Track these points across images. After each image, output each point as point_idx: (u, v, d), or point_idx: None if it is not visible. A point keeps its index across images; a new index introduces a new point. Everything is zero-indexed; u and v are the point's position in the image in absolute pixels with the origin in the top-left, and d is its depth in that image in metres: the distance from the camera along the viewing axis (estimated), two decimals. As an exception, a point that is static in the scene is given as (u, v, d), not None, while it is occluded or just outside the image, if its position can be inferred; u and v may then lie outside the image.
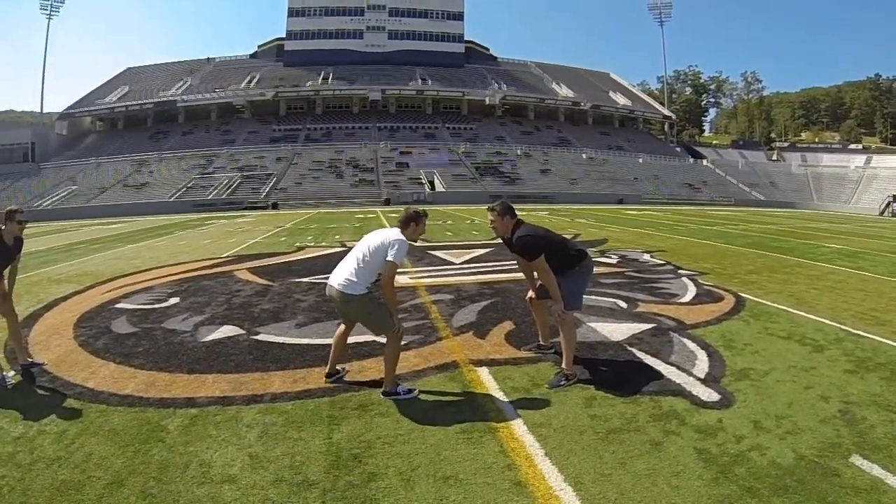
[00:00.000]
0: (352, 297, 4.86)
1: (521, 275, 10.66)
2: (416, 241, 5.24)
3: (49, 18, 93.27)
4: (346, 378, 5.32)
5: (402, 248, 4.82)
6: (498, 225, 5.37)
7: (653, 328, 7.11)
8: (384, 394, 4.85)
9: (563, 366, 5.22)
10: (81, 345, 6.62)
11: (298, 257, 14.56)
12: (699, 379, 5.23)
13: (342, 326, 5.34)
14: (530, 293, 6.04)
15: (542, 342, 6.19)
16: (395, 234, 4.90)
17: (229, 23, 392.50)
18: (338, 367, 5.42)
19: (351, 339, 5.86)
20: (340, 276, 4.92)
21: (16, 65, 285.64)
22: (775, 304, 8.60)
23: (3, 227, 5.56)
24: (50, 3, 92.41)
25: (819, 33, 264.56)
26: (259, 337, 6.83)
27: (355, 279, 4.86)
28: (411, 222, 5.00)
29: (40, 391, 5.21)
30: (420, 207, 5.30)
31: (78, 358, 6.13)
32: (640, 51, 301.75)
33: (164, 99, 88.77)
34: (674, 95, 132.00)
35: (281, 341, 6.64)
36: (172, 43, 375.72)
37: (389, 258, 4.76)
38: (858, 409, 4.57)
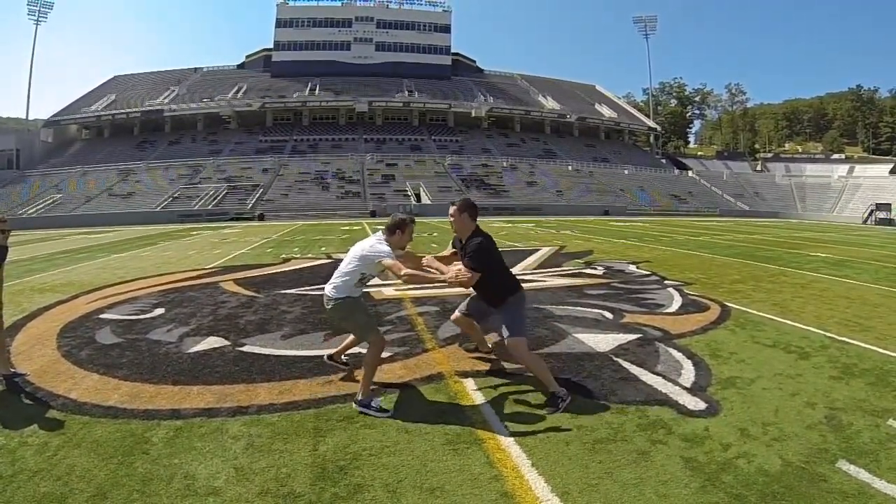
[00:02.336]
0: (334, 300, 5.04)
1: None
2: (403, 249, 5.31)
3: (36, 24, 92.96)
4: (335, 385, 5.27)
5: (386, 248, 4.95)
6: (456, 220, 5.40)
7: (639, 338, 7.11)
8: (356, 402, 4.83)
9: (551, 390, 4.90)
10: (65, 355, 6.55)
11: (285, 269, 14.47)
12: (685, 388, 5.23)
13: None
14: (456, 313, 6.08)
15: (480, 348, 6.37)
16: (377, 240, 5.05)
17: (217, 33, 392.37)
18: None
19: (351, 350, 5.98)
20: (329, 285, 5.13)
21: (1, 71, 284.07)
22: (761, 313, 8.65)
23: None
24: (38, 8, 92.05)
25: (801, 45, 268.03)
26: (245, 348, 6.78)
27: (339, 284, 5.06)
28: (397, 230, 5.11)
29: (22, 401, 5.14)
30: (405, 214, 5.34)
31: (61, 368, 6.07)
32: (626, 63, 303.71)
33: (151, 108, 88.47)
34: (659, 107, 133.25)
35: (267, 353, 6.58)
36: (160, 52, 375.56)
37: (382, 259, 4.91)
38: (844, 415, 4.60)
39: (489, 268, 5.19)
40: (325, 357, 5.89)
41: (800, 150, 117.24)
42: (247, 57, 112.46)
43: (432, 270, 5.44)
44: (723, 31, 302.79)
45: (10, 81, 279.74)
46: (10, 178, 69.23)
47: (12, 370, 5.85)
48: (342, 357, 5.78)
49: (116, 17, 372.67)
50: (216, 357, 6.43)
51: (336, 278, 5.12)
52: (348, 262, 5.11)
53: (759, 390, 5.20)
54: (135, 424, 4.53)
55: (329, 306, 5.12)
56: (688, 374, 5.68)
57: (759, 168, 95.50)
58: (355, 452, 3.99)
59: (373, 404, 4.78)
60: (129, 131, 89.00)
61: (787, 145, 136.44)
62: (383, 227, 5.15)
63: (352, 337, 5.61)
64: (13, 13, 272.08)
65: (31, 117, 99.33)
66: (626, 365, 5.99)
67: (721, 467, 3.73)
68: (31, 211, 55.36)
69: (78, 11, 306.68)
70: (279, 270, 14.14)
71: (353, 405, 4.82)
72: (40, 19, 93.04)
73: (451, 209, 5.40)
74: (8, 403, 5.13)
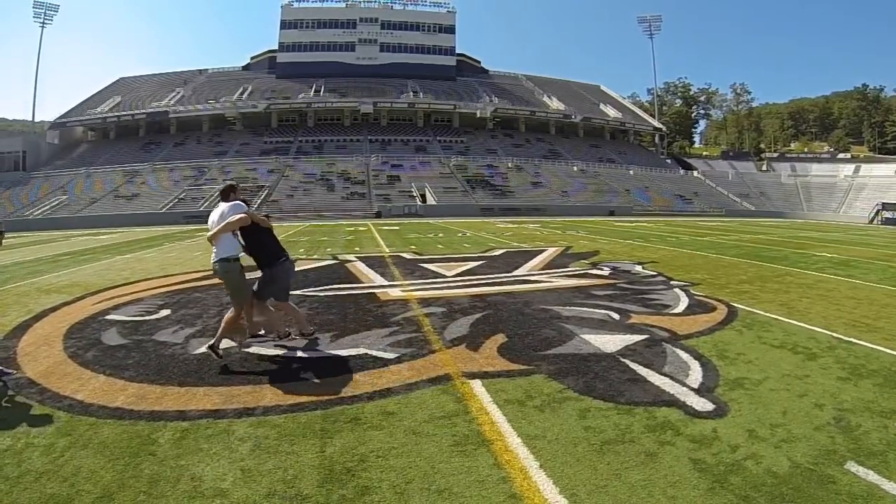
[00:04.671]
0: (216, 262, 6.23)
1: (514, 287, 10.73)
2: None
3: (42, 27, 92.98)
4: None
5: (238, 205, 6.37)
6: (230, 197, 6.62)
7: (645, 339, 7.09)
8: (209, 346, 6.16)
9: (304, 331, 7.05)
10: (71, 356, 6.56)
11: (290, 269, 14.43)
12: (693, 389, 5.21)
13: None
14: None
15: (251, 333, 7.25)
16: (226, 207, 6.35)
17: (222, 35, 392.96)
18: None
19: (343, 353, 6.40)
20: (215, 252, 6.33)
21: (8, 73, 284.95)
22: (768, 314, 8.62)
23: None
24: (43, 11, 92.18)
25: (807, 44, 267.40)
26: (251, 350, 6.78)
27: (218, 249, 6.26)
28: (230, 192, 6.55)
29: (28, 403, 5.14)
30: (231, 181, 7.01)
31: (67, 369, 6.08)
32: (631, 63, 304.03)
33: (157, 110, 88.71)
34: (664, 107, 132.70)
35: (273, 354, 6.59)
36: (165, 54, 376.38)
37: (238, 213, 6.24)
38: (853, 416, 4.58)
39: (258, 235, 6.64)
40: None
41: (805, 150, 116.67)
42: (252, 58, 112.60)
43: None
44: (728, 30, 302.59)
45: (16, 84, 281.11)
46: (16, 179, 69.48)
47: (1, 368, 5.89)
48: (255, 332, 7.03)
49: (121, 20, 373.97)
50: (223, 358, 6.43)
51: (220, 244, 6.27)
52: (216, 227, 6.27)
53: (766, 391, 5.18)
54: (141, 426, 4.54)
55: (222, 268, 6.24)
56: (695, 375, 5.66)
57: (764, 168, 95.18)
58: (363, 454, 3.98)
59: (220, 352, 6.13)
60: (135, 133, 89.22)
61: (792, 145, 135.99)
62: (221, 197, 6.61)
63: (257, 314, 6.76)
64: (19, 16, 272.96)
65: (37, 119, 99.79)
66: (633, 366, 5.97)
67: (729, 469, 3.71)
68: (36, 212, 55.55)
69: (83, 15, 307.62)
70: (285, 271, 14.10)
71: (205, 348, 6.19)
72: (46, 21, 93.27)
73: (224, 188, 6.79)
74: (14, 404, 5.13)
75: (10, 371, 5.93)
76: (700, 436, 4.22)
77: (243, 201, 6.72)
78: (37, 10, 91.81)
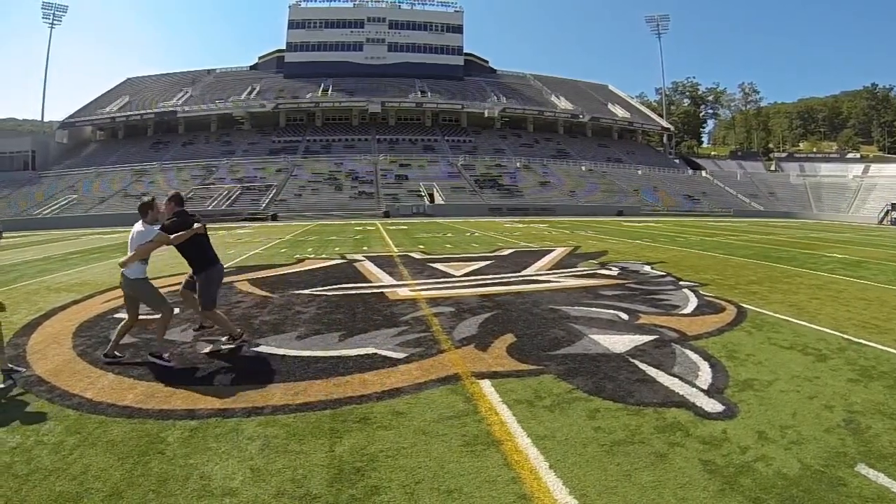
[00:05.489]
0: (131, 280, 6.27)
1: (522, 287, 10.73)
2: (158, 223, 6.51)
3: (51, 27, 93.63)
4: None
5: (151, 229, 6.27)
6: (165, 209, 6.80)
7: (655, 340, 7.07)
8: (150, 353, 6.28)
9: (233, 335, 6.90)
10: (80, 354, 6.59)
11: (298, 269, 14.53)
12: (702, 390, 5.20)
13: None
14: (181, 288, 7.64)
15: (203, 324, 7.73)
16: (141, 226, 6.26)
17: (230, 34, 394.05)
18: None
19: (352, 352, 6.46)
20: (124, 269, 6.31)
21: (17, 73, 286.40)
22: (777, 315, 8.59)
23: None
24: (52, 12, 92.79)
25: (815, 43, 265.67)
26: (260, 349, 6.81)
27: (126, 270, 6.24)
28: (148, 210, 6.35)
29: (38, 400, 5.16)
30: (147, 198, 6.59)
31: (76, 367, 6.11)
32: (639, 63, 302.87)
33: (165, 109, 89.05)
34: (672, 107, 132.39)
35: (282, 353, 6.60)
36: (173, 54, 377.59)
37: (151, 237, 6.21)
38: (863, 418, 4.56)
39: (195, 238, 6.72)
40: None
41: (814, 150, 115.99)
42: (260, 58, 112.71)
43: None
44: (736, 30, 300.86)
45: (26, 84, 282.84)
46: (26, 179, 69.86)
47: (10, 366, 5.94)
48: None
49: (129, 20, 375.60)
50: (231, 357, 6.45)
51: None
52: (129, 248, 6.29)
53: (776, 393, 5.15)
54: (150, 424, 4.55)
55: (126, 285, 6.34)
56: (705, 375, 5.64)
57: (773, 168, 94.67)
58: (372, 454, 3.98)
59: (164, 356, 6.22)
60: (143, 132, 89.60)
61: (801, 144, 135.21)
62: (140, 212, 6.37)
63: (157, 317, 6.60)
64: (28, 17, 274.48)
65: (46, 119, 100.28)
66: (642, 366, 5.95)
67: (739, 470, 3.70)
68: (46, 212, 55.80)
69: (91, 15, 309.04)
70: (293, 271, 14.19)
71: (148, 356, 6.26)
72: (55, 22, 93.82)
73: (163, 202, 6.90)
74: (23, 402, 5.15)
75: (20, 369, 5.96)
76: (710, 437, 4.20)
77: (180, 212, 6.86)
78: (45, 10, 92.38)
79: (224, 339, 6.99)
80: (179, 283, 8.17)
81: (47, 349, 6.84)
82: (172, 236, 6.42)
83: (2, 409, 5.01)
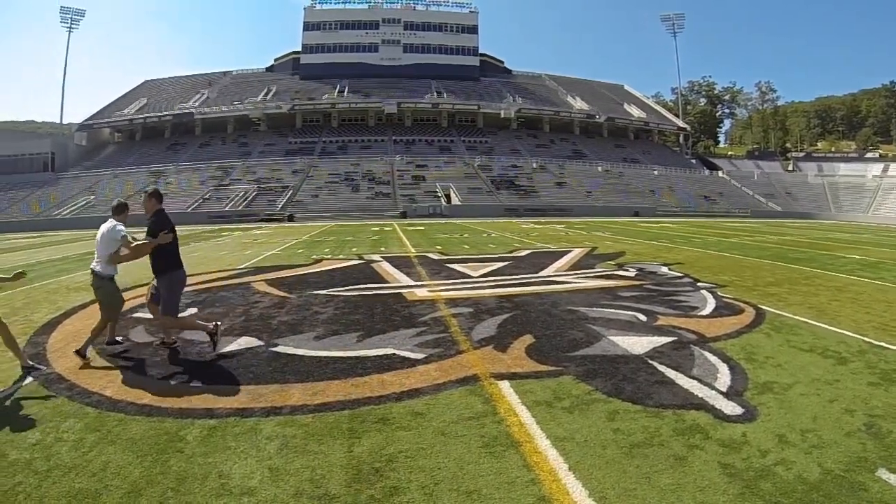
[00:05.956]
0: (94, 275, 6.50)
1: (540, 288, 10.71)
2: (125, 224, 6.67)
3: (69, 31, 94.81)
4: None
5: (123, 229, 6.47)
6: (146, 205, 6.73)
7: (673, 341, 7.03)
8: (76, 351, 6.28)
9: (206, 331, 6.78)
10: (99, 353, 6.64)
11: (316, 269, 14.58)
12: (722, 392, 5.16)
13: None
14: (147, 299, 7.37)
15: (165, 340, 7.24)
16: (113, 225, 6.49)
17: (246, 36, 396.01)
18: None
19: (371, 353, 6.49)
20: (95, 262, 6.53)
21: (37, 76, 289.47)
22: (796, 317, 8.50)
23: None
24: (70, 16, 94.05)
25: (833, 41, 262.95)
26: (278, 349, 6.83)
27: (99, 266, 6.47)
28: (123, 210, 6.66)
29: (57, 398, 5.22)
30: (123, 200, 6.94)
31: (96, 366, 6.19)
32: (654, 62, 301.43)
33: (182, 111, 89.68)
34: (688, 107, 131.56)
35: (300, 353, 6.61)
36: (190, 56, 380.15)
37: (120, 236, 6.43)
38: (884, 422, 4.50)
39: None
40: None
41: (832, 149, 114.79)
42: (275, 60, 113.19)
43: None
44: (752, 28, 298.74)
45: (45, 87, 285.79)
46: (45, 180, 70.58)
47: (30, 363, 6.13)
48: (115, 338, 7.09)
49: (146, 24, 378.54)
50: (249, 357, 6.49)
51: (99, 260, 6.48)
52: (97, 246, 6.51)
53: (796, 396, 5.11)
54: (169, 423, 4.59)
55: (95, 281, 6.50)
56: (724, 378, 5.60)
57: (790, 168, 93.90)
58: (391, 454, 3.98)
59: (87, 354, 6.28)
60: (161, 134, 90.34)
61: (819, 144, 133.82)
62: (112, 213, 6.64)
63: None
64: (47, 22, 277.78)
65: (64, 121, 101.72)
66: (661, 368, 5.92)
67: (759, 474, 3.66)
68: (65, 212, 56.33)
69: (109, 19, 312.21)
70: (311, 271, 14.25)
71: (74, 353, 6.30)
72: (73, 26, 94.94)
73: (145, 197, 6.80)
74: (43, 399, 5.21)
75: (40, 367, 6.03)
76: (729, 440, 4.17)
77: (160, 211, 6.86)
78: (64, 15, 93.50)
79: (168, 341, 7.10)
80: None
81: (67, 347, 6.89)
82: (146, 241, 6.55)
83: (22, 405, 5.06)
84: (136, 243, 6.49)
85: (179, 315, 7.11)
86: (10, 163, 75.89)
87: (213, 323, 6.94)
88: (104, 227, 6.51)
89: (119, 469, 3.80)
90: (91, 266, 6.57)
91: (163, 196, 7.06)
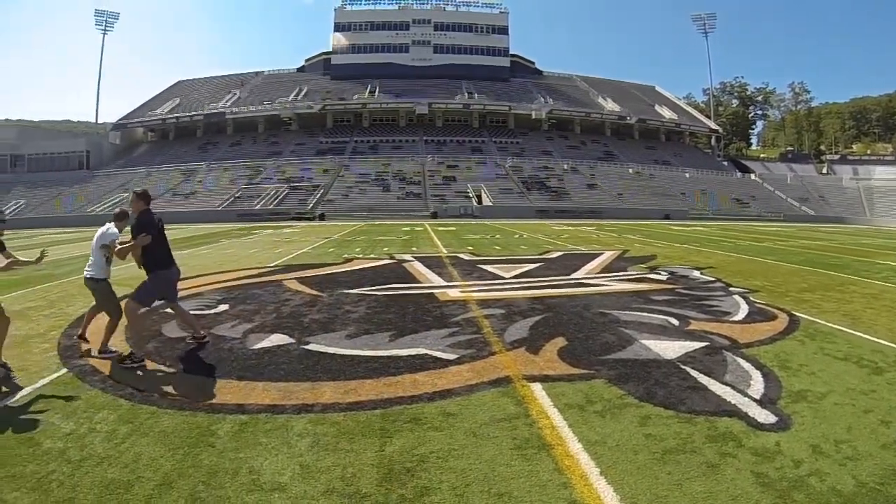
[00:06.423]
0: (88, 278, 6.66)
1: (572, 290, 10.69)
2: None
3: (104, 33, 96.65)
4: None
5: (115, 231, 6.59)
6: (133, 205, 6.66)
7: (705, 346, 6.94)
8: (99, 351, 6.48)
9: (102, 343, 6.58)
10: (133, 346, 6.72)
11: (347, 269, 14.67)
12: (755, 400, 5.08)
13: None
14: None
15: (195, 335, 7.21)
16: (108, 227, 6.61)
17: (277, 37, 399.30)
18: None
19: (403, 352, 6.53)
20: (88, 267, 6.69)
21: (73, 77, 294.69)
22: (830, 324, 8.35)
23: None
24: (105, 19, 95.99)
25: (868, 40, 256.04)
26: (309, 347, 6.87)
27: (97, 267, 6.61)
28: (124, 217, 6.71)
29: (92, 390, 5.33)
30: (124, 209, 7.01)
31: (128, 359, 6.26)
32: (685, 63, 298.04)
33: (214, 111, 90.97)
34: (720, 108, 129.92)
35: (332, 352, 6.65)
36: (222, 57, 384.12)
37: (114, 240, 6.55)
38: (921, 435, 4.40)
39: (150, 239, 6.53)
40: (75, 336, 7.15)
41: (868, 152, 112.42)
42: (306, 60, 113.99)
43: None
44: (784, 28, 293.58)
45: (81, 88, 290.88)
46: (80, 178, 72.16)
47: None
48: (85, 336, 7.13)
49: (180, 25, 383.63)
50: (281, 354, 6.54)
51: (91, 263, 6.65)
52: (92, 249, 6.65)
53: (830, 405, 5.01)
54: (201, 417, 4.65)
55: (90, 284, 6.68)
56: (757, 385, 5.51)
57: (824, 171, 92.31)
58: (422, 455, 3.99)
59: (111, 348, 6.48)
60: (193, 133, 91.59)
61: (854, 146, 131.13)
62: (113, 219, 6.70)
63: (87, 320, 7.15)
64: (83, 24, 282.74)
65: (99, 121, 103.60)
66: (693, 373, 5.85)
67: (793, 485, 3.59)
68: (99, 209, 57.18)
69: (143, 21, 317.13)
70: (342, 270, 14.33)
71: (96, 353, 6.48)
72: (107, 29, 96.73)
73: (133, 196, 6.78)
74: (77, 390, 5.32)
75: (11, 369, 5.82)
76: (763, 449, 4.11)
77: (146, 211, 6.72)
78: (98, 17, 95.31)
79: (198, 336, 7.12)
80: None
81: (101, 340, 7.01)
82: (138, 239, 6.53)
83: (57, 396, 5.16)
84: (119, 247, 6.63)
85: (141, 311, 7.04)
86: (46, 161, 77.65)
87: (140, 355, 6.46)
88: (100, 231, 6.64)
89: (151, 461, 3.86)
90: (84, 273, 6.77)
91: (150, 197, 7.01)
